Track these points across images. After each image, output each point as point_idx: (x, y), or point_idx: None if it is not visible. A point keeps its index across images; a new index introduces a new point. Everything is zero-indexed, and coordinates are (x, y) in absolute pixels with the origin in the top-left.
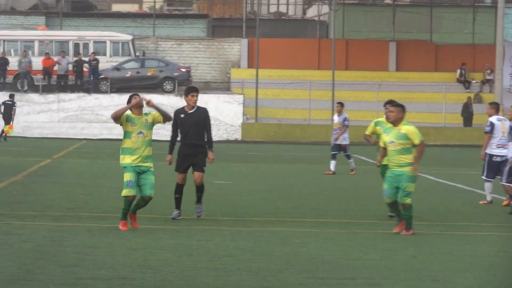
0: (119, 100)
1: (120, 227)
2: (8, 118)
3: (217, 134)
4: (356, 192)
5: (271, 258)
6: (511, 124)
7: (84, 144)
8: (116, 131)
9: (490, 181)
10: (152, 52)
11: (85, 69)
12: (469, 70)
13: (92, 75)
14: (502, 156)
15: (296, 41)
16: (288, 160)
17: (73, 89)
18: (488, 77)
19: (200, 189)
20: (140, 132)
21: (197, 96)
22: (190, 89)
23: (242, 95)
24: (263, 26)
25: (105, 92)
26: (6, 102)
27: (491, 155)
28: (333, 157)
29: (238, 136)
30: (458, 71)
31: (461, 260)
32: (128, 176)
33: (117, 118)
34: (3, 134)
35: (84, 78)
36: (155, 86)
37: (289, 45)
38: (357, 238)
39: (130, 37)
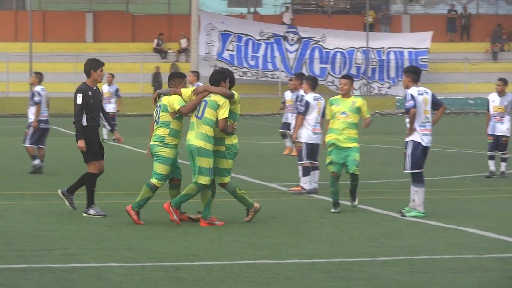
0: None
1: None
2: None
3: None
4: (55, 164)
5: None
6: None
7: None
8: None
9: None
10: None
11: None
12: (166, 40)
13: None
14: None
15: None
16: None
17: None
18: (184, 46)
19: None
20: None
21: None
22: (99, 63)
23: None
24: None
25: None
26: None
27: None
28: None
29: None
30: (155, 41)
31: (155, 228)
32: None
33: None
34: None
35: None
36: None
37: None
38: (55, 209)
39: None
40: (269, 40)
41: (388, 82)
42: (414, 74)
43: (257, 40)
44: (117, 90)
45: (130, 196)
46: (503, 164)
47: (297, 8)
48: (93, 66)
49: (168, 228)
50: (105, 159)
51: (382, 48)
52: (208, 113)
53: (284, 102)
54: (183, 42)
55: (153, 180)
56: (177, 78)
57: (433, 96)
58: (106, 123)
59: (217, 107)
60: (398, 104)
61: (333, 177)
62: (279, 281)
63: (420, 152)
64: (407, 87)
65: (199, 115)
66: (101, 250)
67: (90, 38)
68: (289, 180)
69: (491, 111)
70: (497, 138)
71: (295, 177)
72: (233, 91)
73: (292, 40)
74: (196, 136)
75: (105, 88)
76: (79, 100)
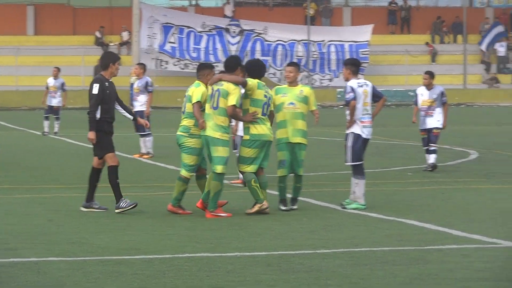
0: None
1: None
2: None
3: None
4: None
5: None
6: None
7: None
8: None
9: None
10: None
11: None
12: (107, 33)
13: None
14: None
15: None
16: None
17: None
18: (125, 39)
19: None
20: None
21: None
22: (117, 56)
23: None
24: None
25: None
26: None
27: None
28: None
29: None
30: (97, 33)
31: (96, 222)
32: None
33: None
34: None
35: None
36: None
37: None
38: None
39: None
40: (211, 32)
41: (329, 74)
42: (353, 66)
43: (198, 32)
44: (62, 84)
45: (71, 190)
46: (432, 156)
47: (239, 0)
48: (111, 59)
49: (109, 222)
50: (51, 152)
51: (323, 41)
52: (222, 103)
53: None
54: (125, 35)
55: (183, 173)
56: (206, 69)
57: (374, 88)
58: (126, 114)
59: (228, 95)
60: (339, 96)
61: (283, 176)
62: (219, 274)
63: (360, 144)
64: (347, 80)
65: (214, 105)
66: (41, 245)
67: (31, 31)
68: (231, 173)
69: (420, 105)
70: (429, 132)
71: (236, 170)
72: (247, 79)
73: (234, 32)
74: (213, 128)
75: (50, 82)
76: (95, 90)
